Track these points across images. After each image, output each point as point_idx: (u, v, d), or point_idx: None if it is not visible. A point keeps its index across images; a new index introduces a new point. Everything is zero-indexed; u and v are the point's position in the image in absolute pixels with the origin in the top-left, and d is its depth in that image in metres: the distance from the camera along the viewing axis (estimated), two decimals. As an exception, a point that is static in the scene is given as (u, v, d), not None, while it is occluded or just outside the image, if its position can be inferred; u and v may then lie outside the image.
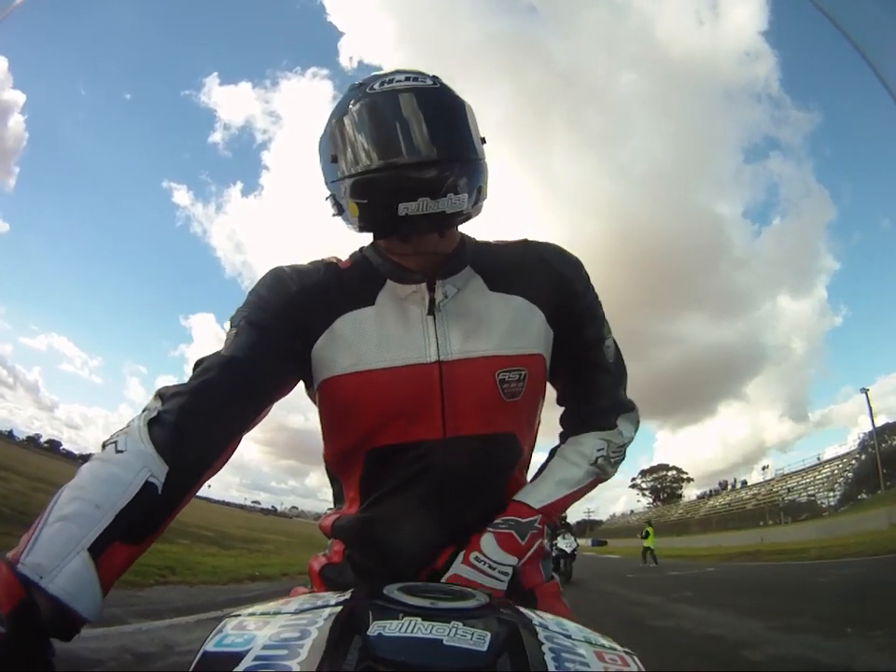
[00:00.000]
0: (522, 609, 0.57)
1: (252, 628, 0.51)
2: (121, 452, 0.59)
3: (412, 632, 0.49)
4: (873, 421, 29.34)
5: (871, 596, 6.40)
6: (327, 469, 0.89)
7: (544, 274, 0.85)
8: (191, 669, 0.49)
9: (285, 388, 0.80)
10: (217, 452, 0.69)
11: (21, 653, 0.48)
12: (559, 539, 11.24)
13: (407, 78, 0.76)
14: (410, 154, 0.72)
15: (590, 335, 0.88)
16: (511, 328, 0.81)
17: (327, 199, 0.82)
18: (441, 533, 0.78)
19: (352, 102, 0.77)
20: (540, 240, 0.90)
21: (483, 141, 0.81)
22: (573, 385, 0.91)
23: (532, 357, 0.82)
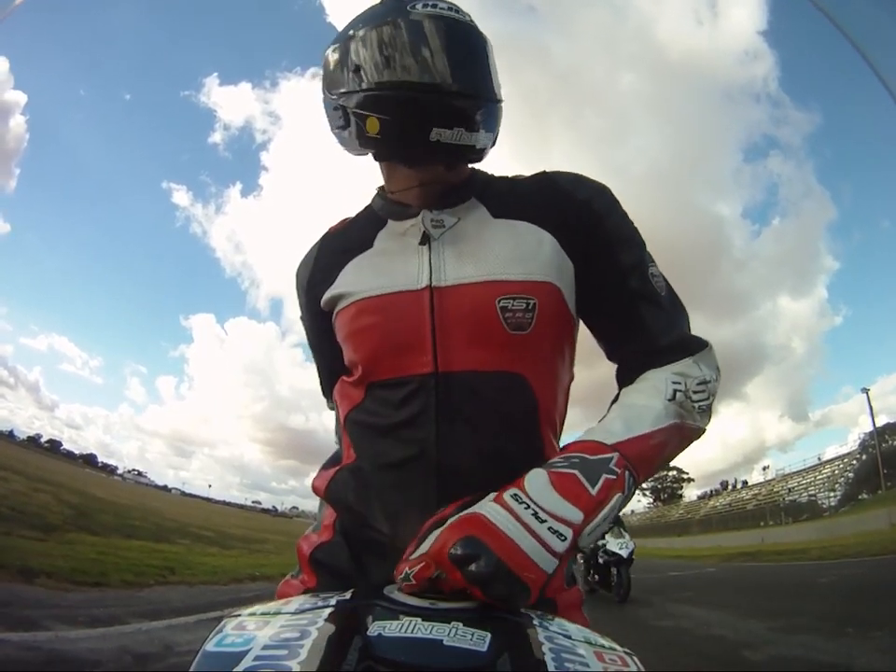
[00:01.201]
0: (522, 610, 0.57)
1: (252, 628, 0.51)
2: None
3: (412, 632, 0.49)
4: (873, 421, 29.28)
5: (871, 597, 6.41)
6: (335, 412, 0.86)
7: (556, 200, 0.77)
8: (191, 669, 0.49)
9: None
10: None
11: None
12: (608, 537, 7.76)
13: (450, 8, 0.73)
14: (458, 82, 0.70)
15: (626, 261, 0.75)
16: (514, 252, 0.73)
17: (336, 109, 0.76)
18: (440, 487, 0.68)
19: (391, 15, 0.72)
20: (562, 170, 0.82)
21: None
22: (621, 327, 0.76)
23: (542, 284, 0.71)
